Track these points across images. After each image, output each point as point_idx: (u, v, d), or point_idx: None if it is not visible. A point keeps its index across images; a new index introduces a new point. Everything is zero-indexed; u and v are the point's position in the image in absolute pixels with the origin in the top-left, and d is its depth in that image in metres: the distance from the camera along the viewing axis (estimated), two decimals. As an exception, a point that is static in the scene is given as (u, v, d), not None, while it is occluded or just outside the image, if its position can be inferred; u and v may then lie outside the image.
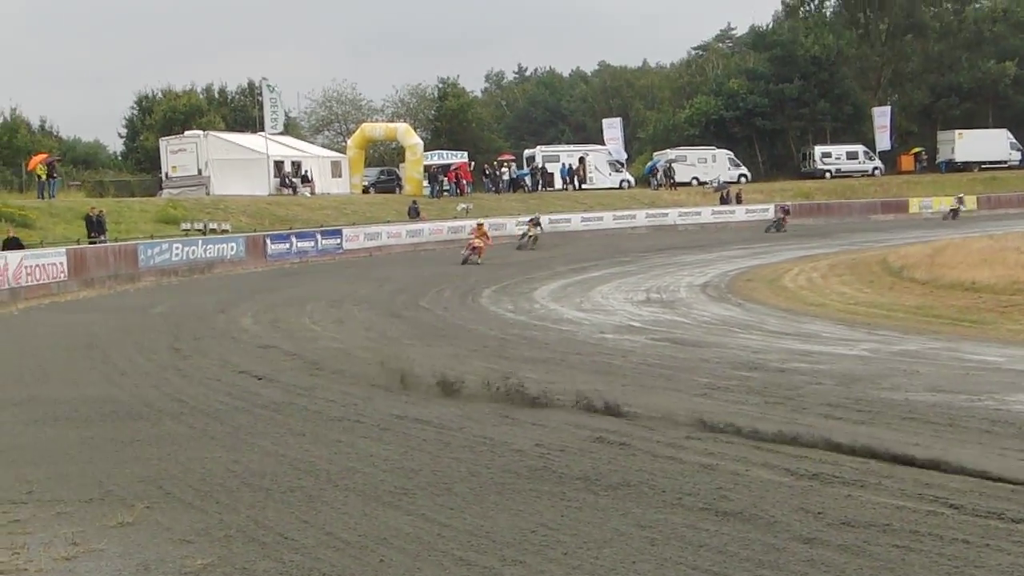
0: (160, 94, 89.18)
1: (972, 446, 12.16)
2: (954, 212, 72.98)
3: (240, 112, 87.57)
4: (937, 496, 9.91)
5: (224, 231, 51.95)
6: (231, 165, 64.99)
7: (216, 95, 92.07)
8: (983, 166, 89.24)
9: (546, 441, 12.76)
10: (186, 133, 69.40)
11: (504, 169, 77.96)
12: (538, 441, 12.77)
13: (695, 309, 29.89)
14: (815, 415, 14.24)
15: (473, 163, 79.48)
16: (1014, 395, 15.60)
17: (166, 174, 66.52)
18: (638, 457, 11.90)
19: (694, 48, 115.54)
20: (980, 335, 23.52)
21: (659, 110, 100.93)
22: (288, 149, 70.56)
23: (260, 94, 71.13)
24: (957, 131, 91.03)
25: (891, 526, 9.10)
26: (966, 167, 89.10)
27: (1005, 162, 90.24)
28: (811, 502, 9.91)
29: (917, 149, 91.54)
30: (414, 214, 63.42)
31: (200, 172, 64.81)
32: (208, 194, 62.52)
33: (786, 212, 68.87)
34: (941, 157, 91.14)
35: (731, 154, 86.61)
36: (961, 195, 76.13)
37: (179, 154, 66.24)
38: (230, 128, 77.96)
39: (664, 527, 9.25)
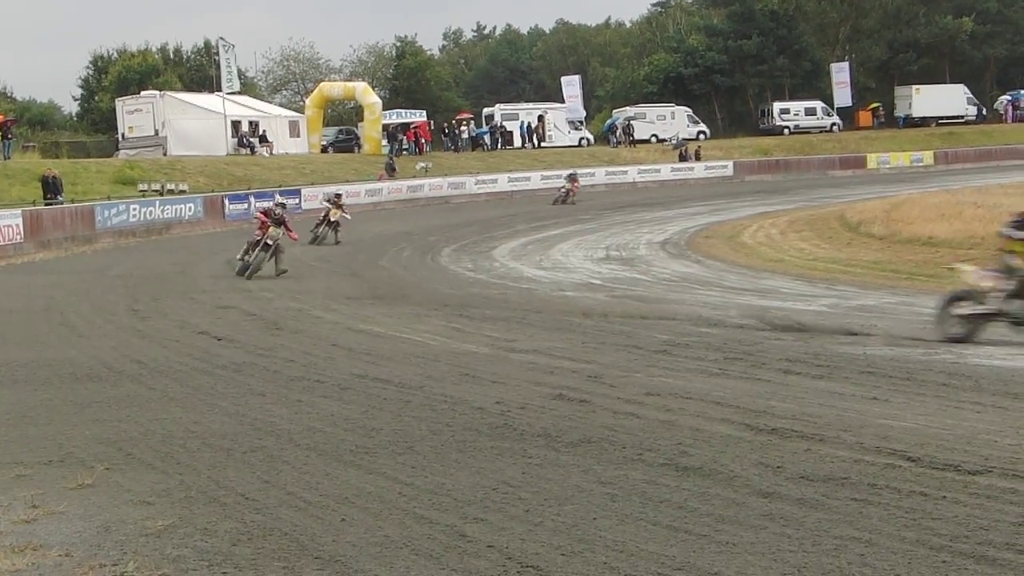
0: (115, 54, 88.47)
1: (929, 399, 12.26)
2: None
3: (197, 72, 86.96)
4: (895, 449, 9.99)
5: (182, 192, 51.62)
6: (188, 125, 64.55)
7: (172, 55, 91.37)
8: (940, 121, 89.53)
9: (507, 399, 12.79)
10: (142, 93, 68.82)
11: (463, 128, 77.75)
12: (499, 399, 12.79)
13: (655, 266, 30.00)
14: (774, 370, 14.32)
15: (432, 122, 79.25)
16: (970, 348, 15.73)
17: (122, 135, 66.02)
18: (598, 414, 11.94)
19: (654, 4, 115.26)
20: (937, 289, 23.65)
21: (618, 67, 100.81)
22: (246, 109, 70.09)
23: (217, 53, 70.64)
24: (915, 86, 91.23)
25: (849, 479, 9.16)
26: (923, 122, 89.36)
27: (962, 117, 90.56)
28: (770, 456, 9.97)
29: (875, 104, 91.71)
30: (391, 171, 63.63)
31: (157, 132, 64.35)
32: (165, 154, 62.12)
33: (574, 180, 59.11)
34: (899, 112, 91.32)
35: (690, 111, 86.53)
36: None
37: (135, 115, 65.73)
38: (187, 88, 77.40)
39: (624, 483, 9.29)
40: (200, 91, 73.49)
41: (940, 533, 7.83)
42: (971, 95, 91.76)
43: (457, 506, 8.82)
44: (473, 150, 75.68)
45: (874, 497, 8.67)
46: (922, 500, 8.57)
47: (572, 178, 59.16)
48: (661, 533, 8.04)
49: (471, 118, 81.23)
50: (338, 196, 42.43)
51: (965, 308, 16.69)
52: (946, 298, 17.16)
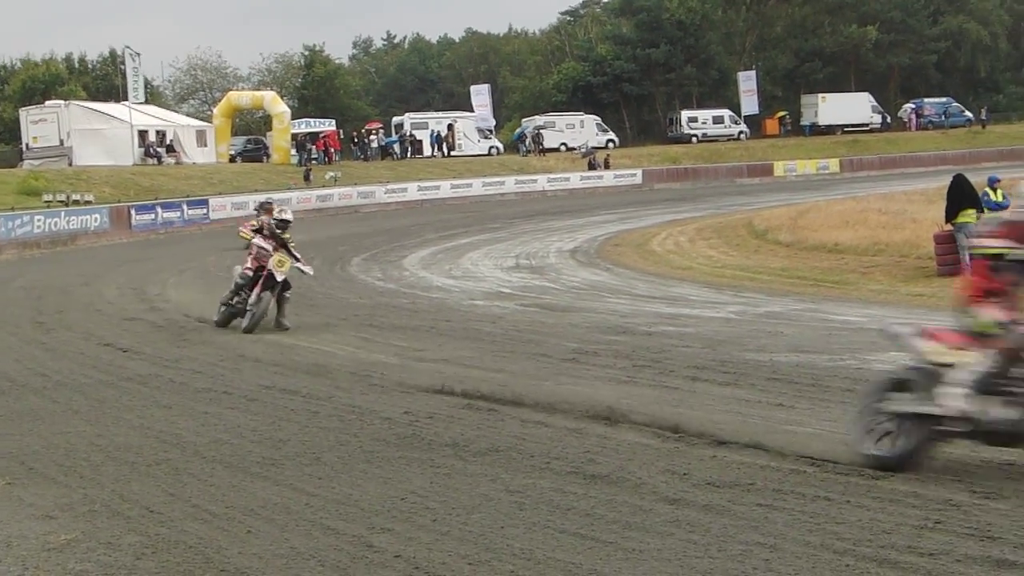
0: (18, 63, 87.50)
1: (834, 405, 12.38)
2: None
3: (102, 81, 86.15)
4: (800, 455, 10.07)
5: (87, 202, 51.05)
6: (94, 135, 63.86)
7: (77, 64, 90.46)
8: (846, 129, 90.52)
9: (415, 408, 12.77)
10: (47, 103, 68.06)
11: (372, 137, 77.57)
12: (407, 409, 12.77)
13: (564, 274, 30.03)
14: (682, 377, 14.40)
15: (341, 131, 79.01)
16: (875, 354, 15.86)
17: (26, 145, 65.21)
18: (507, 423, 11.95)
19: (562, 13, 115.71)
20: (843, 295, 23.94)
21: (526, 77, 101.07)
22: (152, 118, 69.50)
23: (123, 63, 69.99)
24: (820, 95, 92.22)
25: (755, 485, 9.24)
26: (829, 130, 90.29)
27: (867, 125, 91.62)
28: (677, 463, 10.03)
29: (781, 113, 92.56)
30: (307, 179, 63.77)
31: (62, 142, 63.62)
32: (70, 165, 61.43)
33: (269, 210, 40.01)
34: (805, 120, 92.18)
35: (599, 120, 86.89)
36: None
37: (40, 124, 64.94)
38: (92, 98, 76.59)
39: (532, 491, 9.31)
40: (106, 100, 72.72)
41: (844, 537, 7.92)
42: (876, 103, 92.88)
43: (364, 516, 8.80)
44: (383, 159, 75.53)
45: (779, 502, 8.75)
46: (826, 505, 8.65)
47: (267, 208, 42.08)
48: (568, 541, 8.06)
49: (380, 127, 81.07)
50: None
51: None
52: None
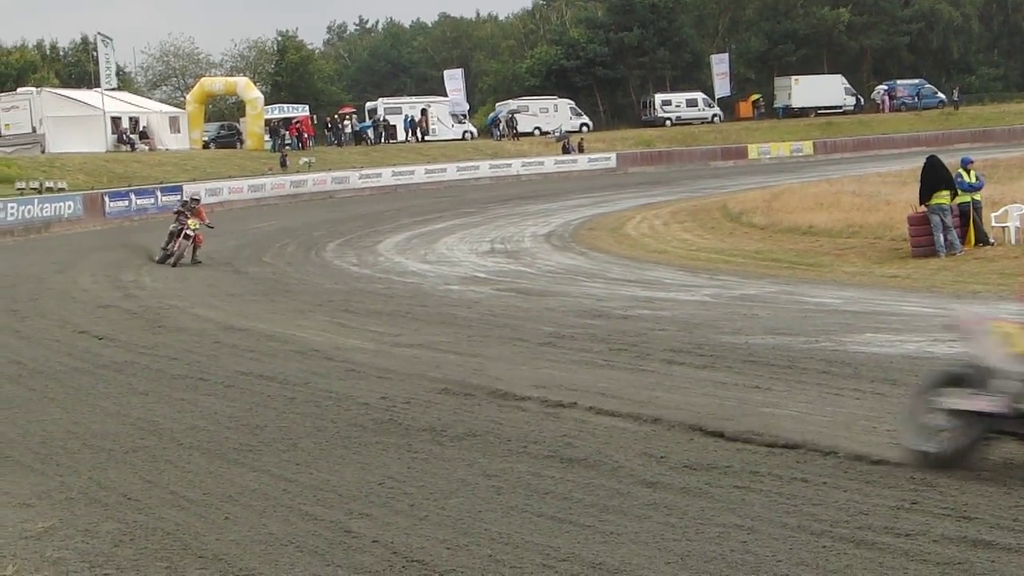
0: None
1: (810, 387, 12.42)
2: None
3: (75, 67, 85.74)
4: (776, 436, 10.10)
5: (61, 189, 50.83)
6: (67, 122, 63.56)
7: (49, 51, 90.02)
8: (819, 111, 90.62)
9: (392, 394, 12.76)
10: (19, 90, 67.74)
11: (346, 122, 77.38)
12: (384, 394, 12.77)
13: (539, 259, 30.04)
14: (659, 361, 14.42)
15: (315, 116, 78.83)
16: (850, 336, 15.94)
17: (-1, 132, 64.98)
18: (484, 407, 11.96)
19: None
20: (817, 278, 23.98)
21: (500, 61, 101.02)
22: (125, 105, 69.22)
23: (95, 49, 69.69)
24: (793, 77, 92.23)
25: (732, 467, 9.26)
26: (803, 113, 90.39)
27: (840, 107, 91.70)
28: (654, 446, 10.05)
29: (755, 96, 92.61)
30: (283, 164, 63.75)
31: (34, 130, 63.34)
32: (43, 152, 61.17)
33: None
34: (778, 103, 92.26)
35: (572, 103, 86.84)
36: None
37: (12, 112, 64.63)
38: (64, 84, 76.24)
39: (510, 476, 9.32)
40: (79, 87, 72.38)
41: (820, 519, 7.94)
42: (849, 85, 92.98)
43: (342, 502, 8.80)
44: (356, 144, 75.31)
45: (756, 484, 8.78)
46: (803, 486, 8.68)
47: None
48: (546, 524, 8.07)
49: (354, 112, 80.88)
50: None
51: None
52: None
